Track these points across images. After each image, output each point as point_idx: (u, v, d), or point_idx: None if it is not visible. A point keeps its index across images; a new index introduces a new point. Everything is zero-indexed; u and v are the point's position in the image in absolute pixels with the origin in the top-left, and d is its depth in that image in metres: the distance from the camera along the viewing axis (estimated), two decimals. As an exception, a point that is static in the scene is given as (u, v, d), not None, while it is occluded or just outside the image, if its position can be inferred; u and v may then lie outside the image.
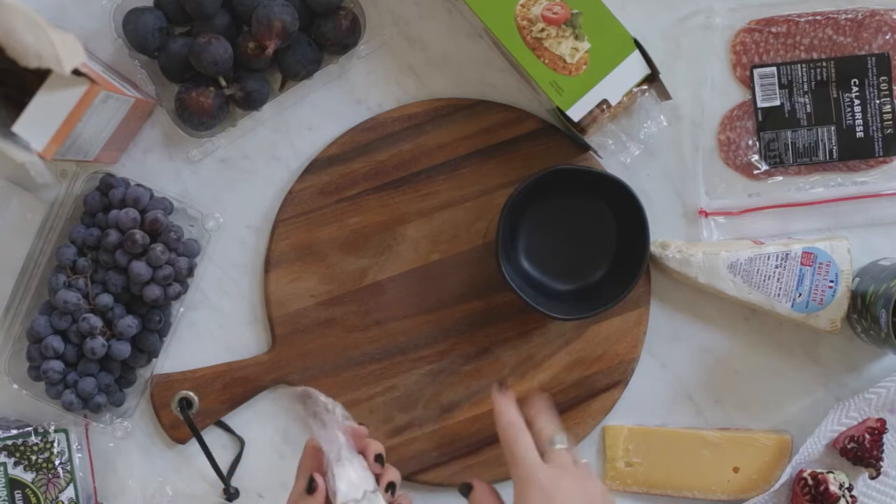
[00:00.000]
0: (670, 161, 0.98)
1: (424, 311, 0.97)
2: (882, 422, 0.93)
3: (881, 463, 0.93)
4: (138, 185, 0.94)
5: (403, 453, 0.96)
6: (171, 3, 0.93)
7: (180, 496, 0.97)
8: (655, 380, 0.98)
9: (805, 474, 0.92)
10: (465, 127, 0.96)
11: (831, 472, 0.92)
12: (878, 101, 0.96)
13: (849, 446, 0.93)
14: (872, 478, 0.93)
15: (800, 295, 0.93)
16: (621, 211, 0.94)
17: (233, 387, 0.96)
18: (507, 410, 0.85)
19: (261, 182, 0.98)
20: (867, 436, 0.92)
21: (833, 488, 0.91)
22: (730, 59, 0.98)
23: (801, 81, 0.97)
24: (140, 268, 0.91)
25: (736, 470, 0.95)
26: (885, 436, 0.93)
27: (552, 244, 0.96)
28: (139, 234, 0.91)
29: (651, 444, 0.96)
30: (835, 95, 0.97)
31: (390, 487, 0.81)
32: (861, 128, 0.97)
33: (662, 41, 0.97)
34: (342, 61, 0.96)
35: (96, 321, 0.91)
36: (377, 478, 0.80)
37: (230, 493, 0.96)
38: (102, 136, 0.88)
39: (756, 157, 0.97)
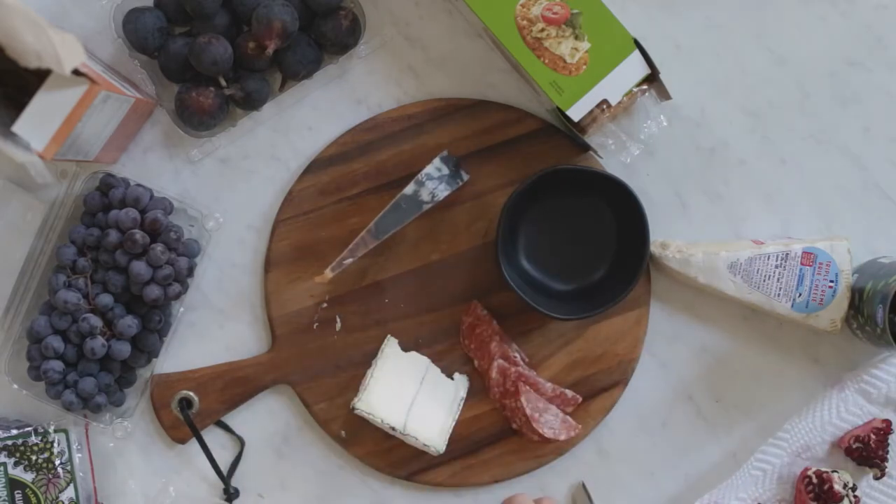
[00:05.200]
0: (670, 161, 0.98)
1: (424, 311, 0.97)
2: (888, 423, 0.93)
3: (886, 464, 0.93)
4: (138, 185, 0.94)
5: (403, 453, 0.96)
6: (171, 3, 0.93)
7: (180, 496, 0.97)
8: (655, 380, 0.98)
9: (810, 472, 0.92)
10: (465, 127, 0.96)
11: (836, 472, 0.92)
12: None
13: (854, 446, 0.93)
14: (877, 478, 0.93)
15: (800, 295, 0.93)
16: (621, 211, 0.94)
17: (233, 387, 0.96)
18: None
19: (261, 182, 0.98)
20: (873, 436, 0.92)
21: (837, 487, 0.91)
22: (730, 59, 0.98)
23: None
24: (140, 268, 0.91)
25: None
26: (890, 437, 0.93)
27: (552, 244, 0.96)
28: (139, 234, 0.91)
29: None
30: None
31: None
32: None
33: (662, 41, 0.97)
34: (342, 61, 0.96)
35: (96, 321, 0.91)
36: None
37: (230, 493, 0.96)
38: (102, 136, 0.88)
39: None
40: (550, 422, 0.94)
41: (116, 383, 0.95)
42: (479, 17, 0.91)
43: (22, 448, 0.93)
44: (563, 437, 0.94)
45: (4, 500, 0.92)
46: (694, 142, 0.98)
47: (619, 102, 0.91)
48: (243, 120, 0.96)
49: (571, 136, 0.95)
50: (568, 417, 0.95)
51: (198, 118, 0.93)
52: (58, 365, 0.92)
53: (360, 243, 0.92)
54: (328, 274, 0.92)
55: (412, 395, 0.94)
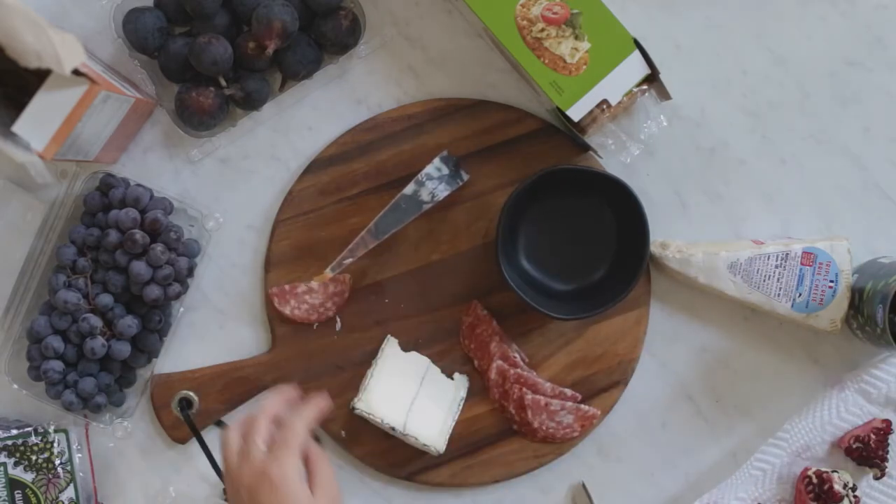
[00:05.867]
0: (670, 161, 0.98)
1: (424, 311, 0.97)
2: (888, 423, 0.93)
3: (886, 464, 0.93)
4: (138, 185, 0.94)
5: (403, 453, 0.96)
6: (171, 3, 0.93)
7: (180, 496, 0.97)
8: (655, 380, 0.98)
9: (810, 472, 0.92)
10: (465, 127, 0.96)
11: (836, 472, 0.92)
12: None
13: (854, 446, 0.93)
14: (877, 478, 0.93)
15: (800, 295, 0.93)
16: (621, 211, 0.94)
17: (233, 387, 0.96)
18: (229, 436, 0.83)
19: (261, 182, 0.98)
20: (873, 436, 0.92)
21: (837, 487, 0.91)
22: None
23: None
24: (140, 268, 0.91)
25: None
26: (890, 437, 0.93)
27: (552, 244, 0.96)
28: (139, 234, 0.91)
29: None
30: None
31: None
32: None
33: (662, 41, 0.97)
34: (342, 61, 0.96)
35: (96, 321, 0.91)
36: None
37: (230, 493, 0.96)
38: (102, 136, 0.88)
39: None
40: (566, 421, 0.94)
41: (116, 383, 0.95)
42: (479, 17, 0.91)
43: (22, 448, 0.93)
44: (578, 430, 0.95)
45: (4, 500, 0.92)
46: (694, 142, 0.98)
47: (619, 102, 0.91)
48: (243, 120, 0.96)
49: (571, 136, 0.95)
50: (580, 406, 0.94)
51: (198, 118, 0.93)
52: (58, 365, 0.92)
53: (360, 243, 0.92)
54: (328, 274, 0.92)
55: (412, 395, 0.94)
